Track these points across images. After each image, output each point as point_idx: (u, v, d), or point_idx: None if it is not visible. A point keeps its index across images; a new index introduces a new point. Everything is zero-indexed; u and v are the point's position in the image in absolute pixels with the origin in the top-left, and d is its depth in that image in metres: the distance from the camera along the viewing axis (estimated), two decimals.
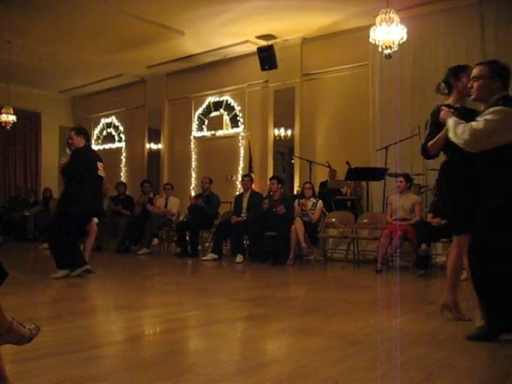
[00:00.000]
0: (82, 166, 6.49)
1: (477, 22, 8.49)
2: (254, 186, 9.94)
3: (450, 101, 3.95)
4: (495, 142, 3.33)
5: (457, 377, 2.72)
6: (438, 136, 3.80)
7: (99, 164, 6.69)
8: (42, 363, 2.82)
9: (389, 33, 7.38)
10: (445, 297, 4.10)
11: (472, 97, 3.61)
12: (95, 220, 7.28)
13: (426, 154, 4.03)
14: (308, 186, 8.77)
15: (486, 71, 3.50)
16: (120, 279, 6.60)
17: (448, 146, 3.72)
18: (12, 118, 12.26)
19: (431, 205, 7.76)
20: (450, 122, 3.54)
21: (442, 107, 3.81)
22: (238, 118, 12.05)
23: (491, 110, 3.36)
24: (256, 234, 8.74)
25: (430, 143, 3.90)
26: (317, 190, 9.45)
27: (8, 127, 12.39)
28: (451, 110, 3.72)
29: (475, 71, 3.56)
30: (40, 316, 4.15)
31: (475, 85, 3.53)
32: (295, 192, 10.30)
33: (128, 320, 4.14)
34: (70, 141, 6.69)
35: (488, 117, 3.32)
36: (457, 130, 3.43)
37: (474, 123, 3.35)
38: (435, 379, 2.66)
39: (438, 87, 4.09)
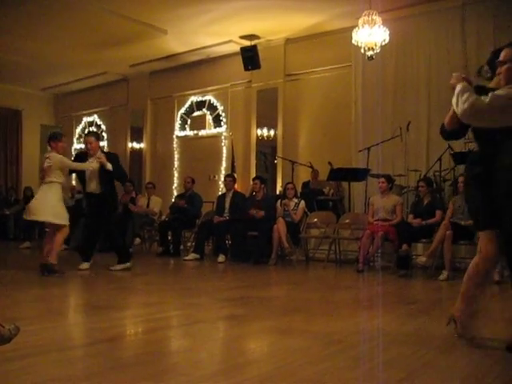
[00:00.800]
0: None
1: (458, 24, 8.58)
2: (236, 186, 9.94)
3: (492, 84, 3.38)
4: (493, 121, 3.07)
5: (437, 375, 2.75)
6: (452, 108, 3.31)
7: None
8: (22, 364, 2.79)
9: (371, 34, 7.44)
10: (455, 306, 3.53)
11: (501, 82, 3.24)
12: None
13: (445, 132, 3.58)
14: (290, 186, 8.80)
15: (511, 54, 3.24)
16: (101, 279, 6.56)
17: (476, 136, 3.42)
18: None
19: (412, 205, 7.83)
20: (458, 87, 3.17)
21: (454, 73, 3.36)
22: (221, 118, 12.05)
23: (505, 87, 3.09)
24: (238, 233, 8.75)
25: (446, 119, 3.41)
26: (299, 190, 9.48)
27: None
28: (463, 76, 3.29)
29: (502, 55, 3.28)
30: (20, 316, 4.11)
31: (502, 69, 3.24)
32: (278, 192, 10.32)
33: (109, 320, 4.12)
34: (89, 145, 7.06)
35: (498, 92, 3.06)
36: (461, 97, 3.09)
37: (483, 96, 3.04)
38: (415, 378, 2.68)
39: (479, 70, 3.64)
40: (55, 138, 6.93)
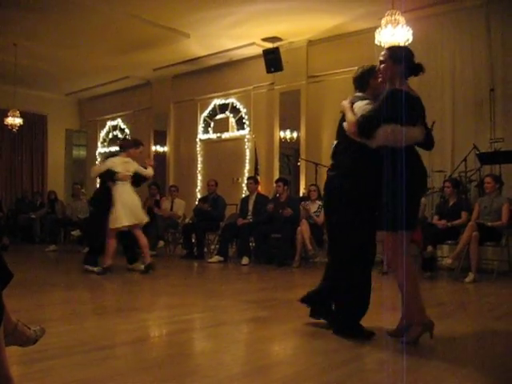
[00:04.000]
0: None
1: (483, 23, 8.46)
2: (259, 188, 9.93)
3: None
4: None
5: (464, 379, 2.71)
6: None
7: None
8: (46, 365, 2.82)
9: (394, 34, 7.36)
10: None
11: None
12: None
13: None
14: (313, 188, 8.80)
15: None
16: (126, 281, 6.60)
17: None
18: (18, 120, 12.28)
19: (437, 206, 7.75)
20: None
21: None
22: (244, 121, 12.04)
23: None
24: (262, 236, 8.75)
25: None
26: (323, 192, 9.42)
27: (14, 130, 12.43)
28: None
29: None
30: (45, 318, 4.15)
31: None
32: (301, 194, 10.29)
33: (134, 322, 4.14)
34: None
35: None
36: None
37: None
38: (442, 381, 2.64)
39: None
40: (137, 145, 7.69)
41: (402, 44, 7.43)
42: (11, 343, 2.30)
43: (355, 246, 3.68)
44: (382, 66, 3.55)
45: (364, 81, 3.85)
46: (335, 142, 3.90)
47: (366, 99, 3.70)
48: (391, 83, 3.49)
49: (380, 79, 3.59)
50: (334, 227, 3.83)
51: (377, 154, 3.48)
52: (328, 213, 3.91)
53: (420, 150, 3.69)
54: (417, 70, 3.54)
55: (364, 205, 3.64)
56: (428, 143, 3.72)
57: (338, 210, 3.72)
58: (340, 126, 3.76)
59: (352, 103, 3.70)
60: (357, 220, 3.64)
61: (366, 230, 3.69)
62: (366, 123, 3.41)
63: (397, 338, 3.48)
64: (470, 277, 6.55)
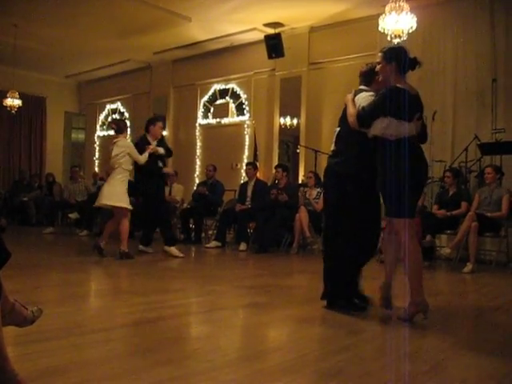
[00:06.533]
0: None
1: (486, 13, 8.39)
2: (258, 174, 9.90)
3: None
4: None
5: (463, 368, 2.70)
6: None
7: None
8: (43, 346, 2.80)
9: (398, 21, 7.28)
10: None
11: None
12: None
13: None
14: (310, 175, 8.80)
15: None
16: (123, 265, 6.59)
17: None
18: (17, 102, 12.22)
19: (437, 196, 7.74)
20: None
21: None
22: (244, 106, 11.98)
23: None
24: (260, 222, 8.74)
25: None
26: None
27: (13, 111, 12.36)
28: None
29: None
30: (43, 299, 4.14)
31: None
32: (300, 181, 10.27)
33: (131, 305, 4.12)
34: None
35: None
36: None
37: None
38: (441, 369, 2.63)
39: None
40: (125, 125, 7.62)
41: (405, 31, 7.38)
42: (8, 323, 2.28)
43: (348, 230, 4.00)
44: (379, 66, 3.84)
45: (371, 77, 4.08)
46: (338, 129, 4.20)
47: (369, 92, 3.98)
48: (388, 81, 3.75)
49: (380, 78, 3.87)
50: (329, 210, 4.24)
51: (375, 143, 3.77)
52: (326, 197, 4.36)
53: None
54: (412, 64, 3.75)
55: (359, 192, 3.94)
56: (422, 137, 3.91)
57: (335, 195, 4.08)
58: (343, 114, 4.08)
59: (355, 95, 3.99)
60: (351, 206, 3.96)
61: (359, 215, 3.98)
62: (365, 115, 3.73)
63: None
64: (469, 267, 6.55)
